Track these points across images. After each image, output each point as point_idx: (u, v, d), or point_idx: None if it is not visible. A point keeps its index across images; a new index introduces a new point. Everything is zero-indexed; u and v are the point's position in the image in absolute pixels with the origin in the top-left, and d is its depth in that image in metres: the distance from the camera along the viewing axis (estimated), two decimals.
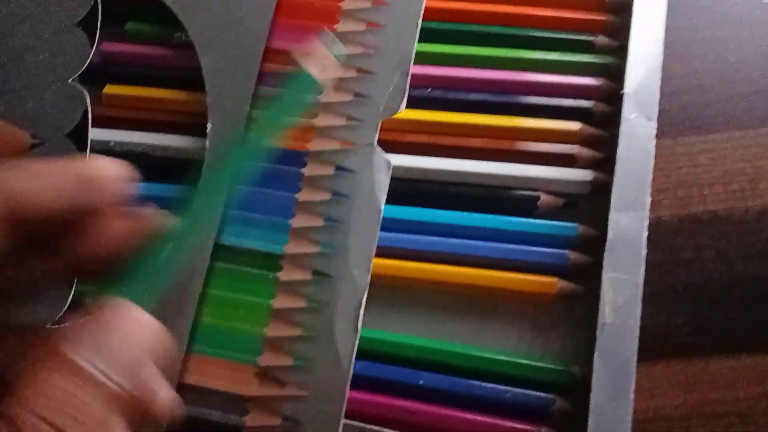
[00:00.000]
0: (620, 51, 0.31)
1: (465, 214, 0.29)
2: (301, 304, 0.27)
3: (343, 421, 0.26)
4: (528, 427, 0.26)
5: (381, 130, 0.29)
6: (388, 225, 0.29)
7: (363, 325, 0.27)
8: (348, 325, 0.27)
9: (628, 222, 0.28)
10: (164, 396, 0.17)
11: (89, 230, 0.20)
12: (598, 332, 0.26)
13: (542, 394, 0.27)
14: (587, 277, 0.28)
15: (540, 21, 0.32)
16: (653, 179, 0.28)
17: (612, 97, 0.30)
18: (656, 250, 0.31)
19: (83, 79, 0.31)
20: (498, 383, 0.27)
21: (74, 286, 0.28)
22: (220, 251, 0.28)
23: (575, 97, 0.31)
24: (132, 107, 0.32)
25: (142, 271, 0.20)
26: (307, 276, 0.28)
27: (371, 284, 0.27)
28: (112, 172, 0.21)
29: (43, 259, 0.20)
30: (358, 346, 0.26)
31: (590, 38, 0.31)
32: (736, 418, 0.29)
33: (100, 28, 0.32)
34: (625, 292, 0.27)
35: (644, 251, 0.27)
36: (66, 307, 0.27)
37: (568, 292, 0.28)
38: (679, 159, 0.32)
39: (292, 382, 0.26)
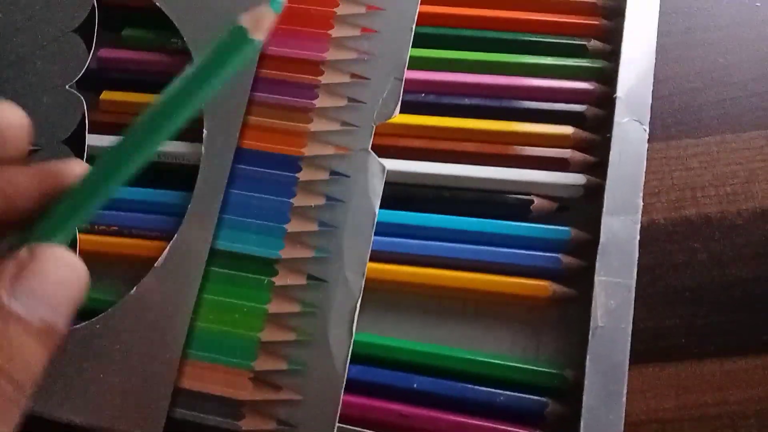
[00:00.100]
0: (613, 55, 0.31)
1: (459, 218, 0.29)
2: (295, 308, 0.27)
3: (337, 425, 0.26)
4: (521, 431, 0.26)
5: (375, 134, 0.29)
6: (382, 229, 0.29)
7: (357, 329, 0.27)
8: (342, 329, 0.27)
9: (621, 225, 0.28)
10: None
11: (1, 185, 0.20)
12: (590, 336, 0.26)
13: (535, 398, 0.27)
14: (580, 280, 0.28)
15: (533, 25, 0.32)
16: (646, 182, 0.28)
17: (605, 101, 0.30)
18: (649, 254, 0.31)
19: (80, 85, 0.31)
20: (491, 387, 0.27)
21: None
22: (215, 256, 0.28)
23: (568, 101, 0.31)
24: (129, 113, 0.32)
25: (59, 213, 0.20)
26: (301, 281, 0.28)
27: (365, 288, 0.27)
28: (16, 118, 0.20)
29: None
30: (353, 350, 0.27)
31: (583, 42, 0.31)
32: (729, 421, 0.29)
33: (97, 35, 0.32)
34: (618, 295, 0.27)
35: (637, 255, 0.27)
36: None
37: (560, 296, 0.28)
38: (671, 162, 0.33)
39: (287, 387, 0.26)
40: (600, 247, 0.27)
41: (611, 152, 0.29)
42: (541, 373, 0.28)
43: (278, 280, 0.28)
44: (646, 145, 0.29)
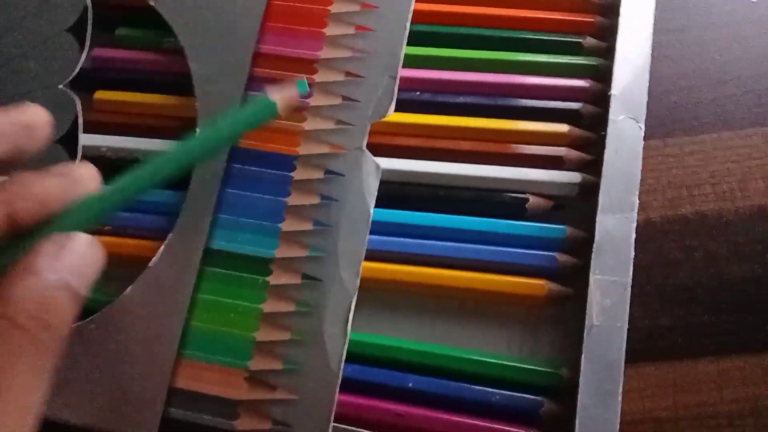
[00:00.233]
0: (608, 52, 0.31)
1: (454, 217, 0.29)
2: (290, 308, 0.27)
3: (332, 424, 0.26)
4: (517, 430, 0.26)
5: (370, 133, 0.29)
6: (377, 228, 0.29)
7: (352, 328, 0.27)
8: (337, 328, 0.27)
9: (616, 224, 0.28)
10: None
11: (28, 185, 0.24)
12: (585, 334, 0.26)
13: (531, 397, 0.27)
14: (576, 279, 0.28)
15: (528, 23, 0.32)
16: (642, 180, 0.28)
17: (600, 98, 0.30)
18: (645, 252, 0.31)
19: (74, 84, 0.31)
20: (487, 385, 0.27)
21: None
22: (210, 255, 0.28)
23: (564, 99, 0.31)
24: (122, 112, 0.32)
25: (82, 210, 0.24)
26: (296, 280, 0.28)
27: (360, 288, 0.27)
28: (44, 117, 0.25)
29: None
30: (348, 349, 0.27)
31: (578, 40, 0.31)
32: (725, 420, 0.29)
33: (91, 34, 0.32)
34: (613, 294, 0.27)
35: (632, 253, 0.27)
36: None
37: (556, 295, 0.28)
38: (667, 160, 0.32)
39: (282, 386, 0.26)
40: (595, 245, 0.27)
41: (606, 150, 0.29)
42: (536, 371, 0.27)
43: (273, 280, 0.28)
44: (642, 143, 0.29)
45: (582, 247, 0.28)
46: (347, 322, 0.27)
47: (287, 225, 0.28)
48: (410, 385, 0.27)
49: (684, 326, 0.30)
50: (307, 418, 0.26)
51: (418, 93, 0.31)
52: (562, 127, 0.30)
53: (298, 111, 0.29)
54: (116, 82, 0.33)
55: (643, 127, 0.29)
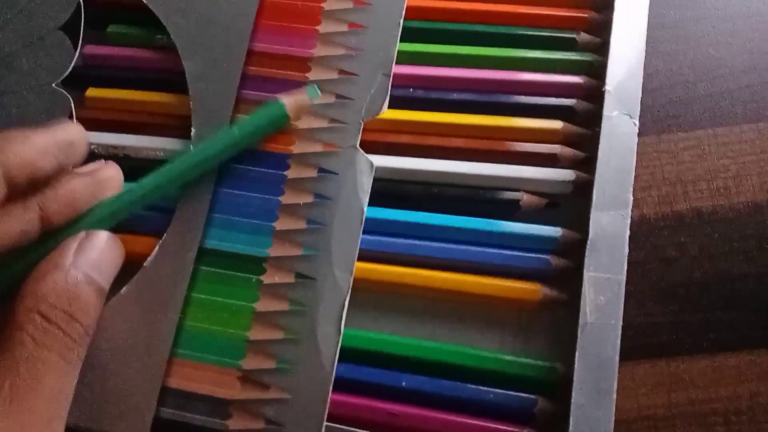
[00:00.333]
0: (602, 48, 0.31)
1: (447, 216, 0.29)
2: (284, 306, 0.27)
3: (325, 423, 0.26)
4: (511, 429, 0.26)
5: (363, 130, 0.29)
6: (371, 228, 0.29)
7: (345, 327, 0.27)
8: (331, 327, 0.27)
9: (610, 220, 0.28)
10: None
11: (58, 187, 0.26)
12: (579, 332, 0.26)
13: (525, 395, 0.27)
14: (570, 279, 0.28)
15: (521, 18, 0.32)
16: (636, 177, 0.28)
17: (595, 95, 0.30)
18: (639, 249, 0.31)
19: (66, 82, 0.31)
20: (481, 381, 0.27)
21: None
22: (203, 255, 0.28)
23: (558, 95, 0.30)
24: (115, 110, 0.32)
25: (103, 211, 0.27)
26: (290, 279, 0.28)
27: (353, 288, 0.27)
28: (82, 135, 0.27)
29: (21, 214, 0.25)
30: (342, 343, 0.26)
31: (572, 36, 0.31)
32: (720, 418, 0.29)
33: (83, 32, 0.32)
34: (607, 291, 0.27)
35: (627, 250, 0.27)
36: None
37: (551, 299, 0.28)
38: (662, 156, 0.32)
39: (275, 385, 0.26)
40: (589, 242, 0.27)
41: (600, 146, 0.28)
42: (531, 365, 0.27)
43: (266, 279, 0.28)
44: (636, 139, 0.28)
45: (576, 248, 0.28)
46: (341, 320, 0.27)
47: (281, 224, 0.28)
48: (403, 384, 0.27)
49: (679, 323, 0.30)
50: (300, 417, 0.26)
51: (411, 90, 0.31)
52: (556, 124, 0.30)
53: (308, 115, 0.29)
54: (108, 79, 0.33)
55: (637, 123, 0.29)
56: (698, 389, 0.29)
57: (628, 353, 0.27)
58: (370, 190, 0.28)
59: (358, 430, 0.26)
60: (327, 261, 0.27)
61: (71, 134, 0.26)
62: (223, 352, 0.27)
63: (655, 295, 0.30)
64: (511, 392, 0.27)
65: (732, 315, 0.30)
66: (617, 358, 0.26)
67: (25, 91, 0.31)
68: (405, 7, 0.30)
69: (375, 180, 0.28)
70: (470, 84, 0.31)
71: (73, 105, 0.31)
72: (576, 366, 0.26)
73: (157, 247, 0.28)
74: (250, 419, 0.26)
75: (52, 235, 0.26)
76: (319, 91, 0.29)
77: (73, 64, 0.31)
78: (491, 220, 0.29)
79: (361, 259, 0.28)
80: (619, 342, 0.26)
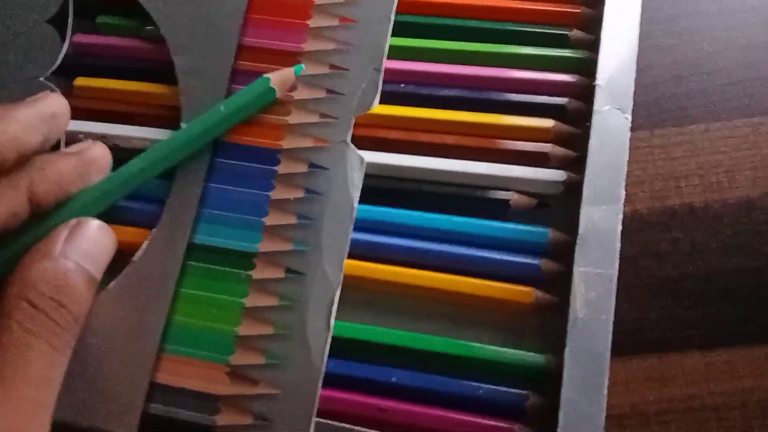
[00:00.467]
0: (595, 45, 0.30)
1: (437, 216, 0.29)
2: (273, 302, 0.27)
3: (314, 419, 0.26)
4: (501, 424, 0.26)
5: (354, 126, 0.29)
6: (360, 225, 0.29)
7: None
8: (320, 322, 0.27)
9: (602, 215, 0.27)
10: None
11: (46, 168, 0.25)
12: (569, 327, 0.26)
13: (516, 391, 0.27)
14: (559, 281, 0.28)
15: (513, 14, 0.31)
16: (629, 172, 0.28)
17: (587, 93, 0.30)
18: (631, 244, 0.31)
19: (55, 71, 0.31)
20: (471, 373, 0.27)
21: None
22: (193, 250, 0.28)
23: (550, 93, 0.30)
24: (103, 99, 0.32)
25: (92, 196, 0.27)
26: (279, 274, 0.27)
27: (343, 286, 0.27)
28: (64, 105, 0.27)
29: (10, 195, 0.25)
30: (332, 334, 0.26)
31: (565, 32, 0.31)
32: (712, 413, 0.29)
33: (72, 22, 0.32)
34: (598, 286, 0.26)
35: (618, 245, 0.27)
36: None
37: (543, 303, 0.28)
38: (655, 151, 0.32)
39: (264, 381, 0.26)
40: (579, 237, 0.27)
41: (591, 141, 0.28)
42: (522, 357, 0.27)
43: (256, 274, 0.27)
44: (629, 134, 0.28)
45: (566, 249, 0.28)
46: (330, 316, 0.27)
47: (271, 219, 0.28)
48: (393, 379, 0.27)
49: (671, 319, 0.30)
50: (289, 412, 0.26)
51: (402, 85, 0.31)
52: (548, 122, 0.30)
53: (286, 100, 0.29)
54: (97, 68, 0.32)
55: (629, 117, 0.28)
56: (691, 385, 0.29)
57: (620, 348, 0.27)
58: (361, 186, 0.28)
59: (347, 425, 0.26)
60: (317, 256, 0.27)
61: (53, 106, 0.26)
62: (212, 348, 0.27)
63: (648, 291, 0.30)
64: (502, 388, 0.27)
65: (725, 310, 0.30)
66: (608, 353, 0.26)
67: (13, 85, 0.31)
68: (396, 1, 0.30)
69: (365, 176, 0.28)
70: (461, 80, 0.31)
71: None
72: (566, 361, 0.26)
73: (145, 242, 0.28)
74: (239, 415, 0.26)
75: (42, 221, 0.25)
76: (303, 66, 0.29)
77: (62, 55, 0.31)
78: (481, 221, 0.29)
79: (350, 257, 0.28)
80: (610, 337, 0.26)
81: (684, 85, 0.33)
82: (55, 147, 0.28)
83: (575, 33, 0.31)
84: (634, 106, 0.29)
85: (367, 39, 0.30)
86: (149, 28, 0.32)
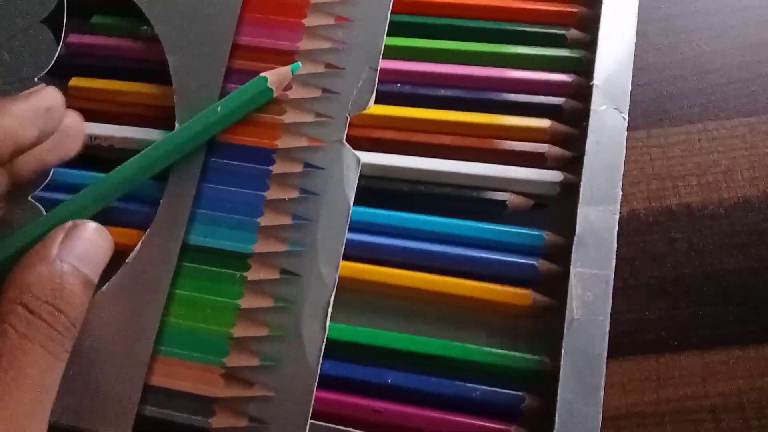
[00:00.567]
0: (592, 44, 0.30)
1: (433, 218, 0.29)
2: (268, 303, 0.27)
3: (310, 421, 0.25)
4: (498, 426, 0.26)
5: (349, 126, 0.28)
6: (356, 227, 0.28)
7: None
8: (316, 324, 0.26)
9: (599, 216, 0.27)
10: None
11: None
12: (566, 328, 0.26)
13: (512, 392, 0.26)
14: (556, 283, 0.27)
15: (510, 13, 0.31)
16: (626, 172, 0.28)
17: (584, 93, 0.30)
18: (628, 244, 0.31)
19: (49, 71, 0.31)
20: (468, 374, 0.27)
21: None
22: (187, 251, 0.28)
23: (547, 93, 0.30)
24: (98, 99, 0.32)
25: (87, 198, 0.27)
26: (275, 275, 0.27)
27: (339, 288, 0.27)
28: (59, 98, 0.27)
29: None
30: (327, 335, 0.26)
31: (562, 32, 0.31)
32: (709, 414, 0.29)
33: (66, 22, 0.31)
34: (595, 287, 0.26)
35: (615, 245, 0.27)
36: None
37: (540, 305, 0.28)
38: (652, 151, 0.32)
39: (259, 383, 0.26)
40: (576, 237, 0.27)
41: (588, 141, 0.28)
42: (518, 358, 0.27)
43: (251, 275, 0.27)
44: (626, 134, 0.28)
45: (563, 251, 0.28)
46: (326, 317, 0.26)
47: (266, 219, 0.28)
48: (389, 381, 0.27)
49: (668, 319, 0.30)
50: (284, 414, 0.26)
51: (398, 85, 0.31)
52: (544, 122, 0.29)
53: (281, 99, 0.29)
54: (91, 69, 0.32)
55: (626, 117, 0.28)
56: (687, 385, 0.29)
57: (617, 349, 0.27)
58: (356, 186, 0.28)
59: (343, 427, 0.26)
60: (312, 257, 0.27)
61: (48, 99, 0.26)
62: (207, 349, 0.27)
63: (645, 291, 0.30)
64: (498, 389, 0.27)
65: (721, 310, 0.30)
66: (605, 354, 0.26)
67: (8, 86, 0.31)
68: (392, 0, 0.30)
69: (360, 177, 0.28)
70: (458, 80, 0.31)
71: None
72: (563, 362, 0.25)
73: (139, 244, 0.28)
74: (234, 417, 0.26)
75: (37, 223, 0.25)
76: (300, 64, 0.29)
77: (56, 56, 0.31)
78: (477, 224, 0.29)
79: (345, 258, 0.27)
80: (606, 338, 0.26)
81: (681, 85, 0.33)
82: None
83: (572, 32, 0.31)
84: (631, 105, 0.28)
85: (363, 38, 0.29)
86: (145, 28, 0.32)
